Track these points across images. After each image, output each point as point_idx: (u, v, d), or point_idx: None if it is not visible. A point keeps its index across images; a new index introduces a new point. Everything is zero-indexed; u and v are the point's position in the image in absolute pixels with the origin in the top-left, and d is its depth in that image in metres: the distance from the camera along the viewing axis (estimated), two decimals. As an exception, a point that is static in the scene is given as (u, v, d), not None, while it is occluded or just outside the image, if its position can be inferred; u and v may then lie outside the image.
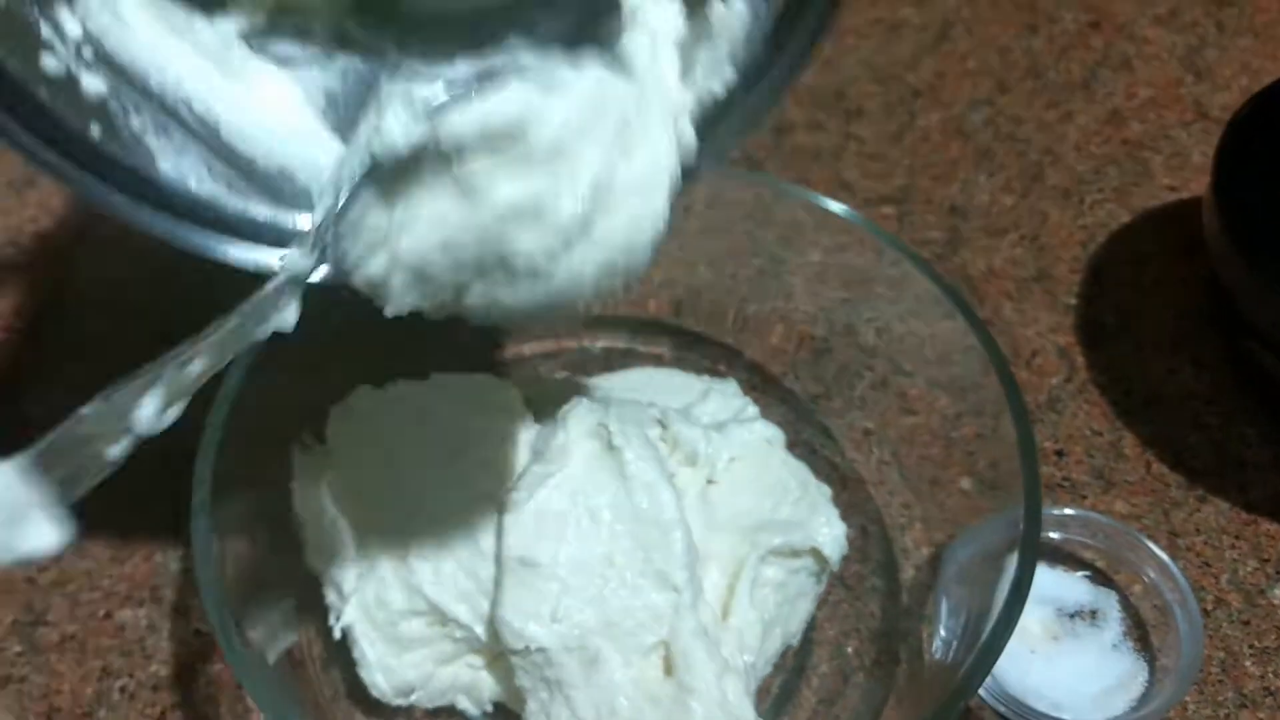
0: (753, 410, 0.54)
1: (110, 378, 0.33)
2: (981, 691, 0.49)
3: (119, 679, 0.51)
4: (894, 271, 0.53)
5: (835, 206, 0.53)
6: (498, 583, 0.44)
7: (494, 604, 0.44)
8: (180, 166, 0.37)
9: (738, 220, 0.57)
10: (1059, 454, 0.57)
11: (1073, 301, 0.63)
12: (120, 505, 0.55)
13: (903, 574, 0.52)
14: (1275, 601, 0.53)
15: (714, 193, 0.57)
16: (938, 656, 0.47)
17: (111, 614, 0.52)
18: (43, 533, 0.31)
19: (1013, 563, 0.42)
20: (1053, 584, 0.53)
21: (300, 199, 0.38)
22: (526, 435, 0.49)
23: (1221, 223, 0.53)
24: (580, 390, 0.53)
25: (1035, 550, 0.43)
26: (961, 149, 0.70)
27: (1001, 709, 0.49)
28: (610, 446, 0.46)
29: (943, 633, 0.47)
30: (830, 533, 0.49)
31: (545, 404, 0.50)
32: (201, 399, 0.35)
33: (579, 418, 0.47)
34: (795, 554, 0.48)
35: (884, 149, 0.70)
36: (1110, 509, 0.55)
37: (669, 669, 0.44)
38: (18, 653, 0.51)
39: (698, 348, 0.60)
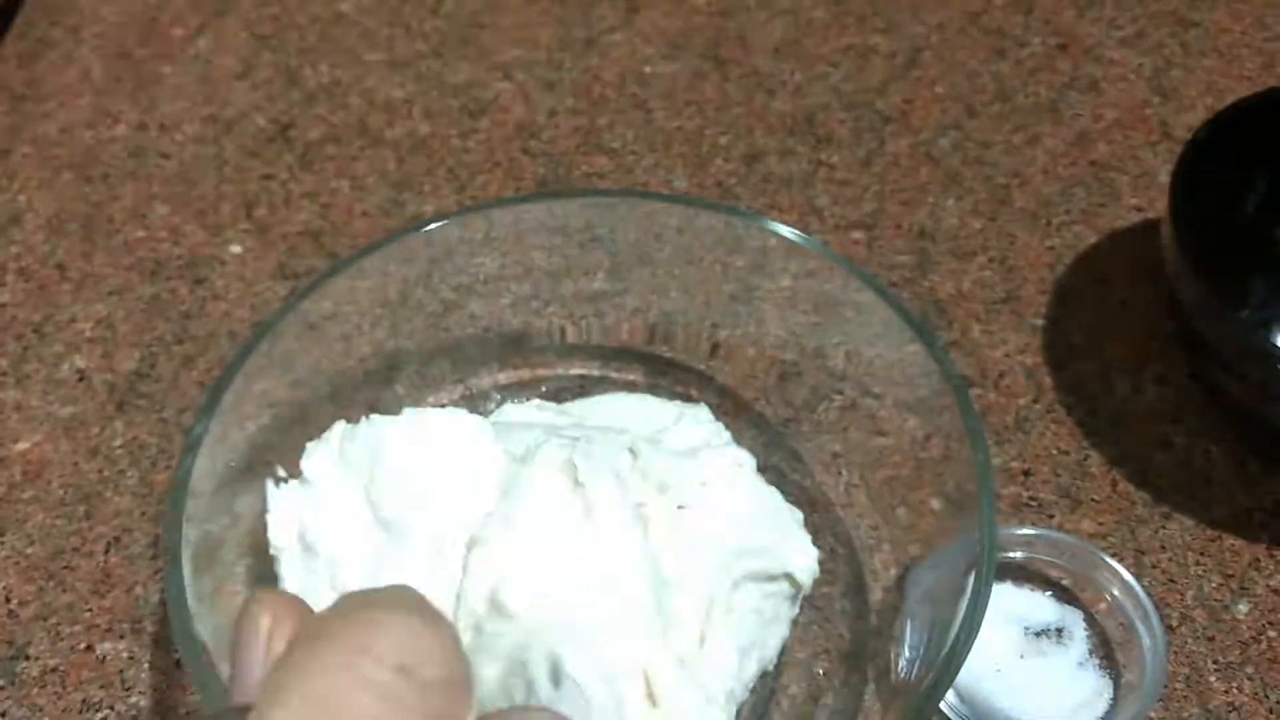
0: (724, 435, 0.55)
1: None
2: (949, 711, 0.50)
3: (99, 711, 0.51)
4: (861, 297, 0.54)
5: (796, 236, 0.54)
6: (464, 624, 0.45)
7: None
8: None
9: (709, 247, 0.58)
10: (1026, 474, 0.58)
11: (1040, 322, 0.64)
12: (102, 538, 0.56)
13: (871, 595, 0.53)
14: (1239, 617, 0.54)
15: (685, 220, 0.58)
16: (903, 675, 0.48)
17: (92, 646, 0.53)
18: None
19: (971, 581, 0.43)
20: (1019, 603, 0.53)
21: None
22: (496, 471, 0.49)
23: (1179, 244, 0.54)
24: (553, 421, 0.54)
25: (992, 568, 0.43)
26: (930, 173, 0.71)
27: None
28: (576, 484, 0.46)
29: (907, 652, 0.48)
30: (803, 557, 0.50)
31: (516, 439, 0.51)
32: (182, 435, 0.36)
33: (546, 456, 0.47)
34: (770, 578, 0.49)
35: (853, 175, 0.71)
36: (1077, 528, 0.56)
37: (653, 701, 0.45)
38: (-1, 687, 0.52)
39: (670, 373, 0.61)
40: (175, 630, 0.42)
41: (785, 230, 0.54)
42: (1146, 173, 0.71)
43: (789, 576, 0.49)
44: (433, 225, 0.56)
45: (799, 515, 0.52)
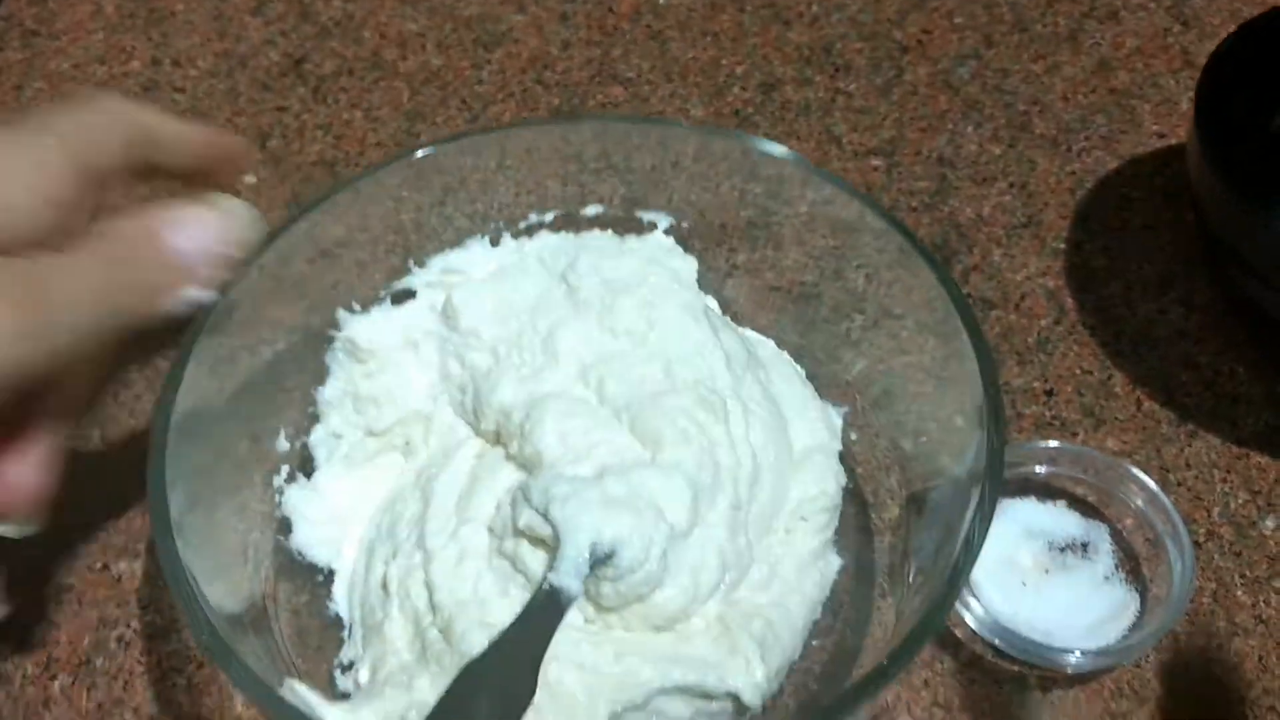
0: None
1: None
2: (975, 625, 0.49)
3: (115, 629, 0.51)
4: (879, 223, 0.53)
5: (805, 165, 0.53)
6: None
7: None
8: None
9: (725, 174, 0.58)
10: (1049, 393, 0.57)
11: (1061, 246, 0.63)
12: (119, 464, 0.56)
13: (886, 512, 0.52)
14: (1266, 533, 0.53)
15: (701, 147, 0.57)
16: (914, 586, 0.47)
17: (108, 566, 0.53)
18: None
19: (977, 492, 0.42)
20: (1044, 518, 0.53)
21: None
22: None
23: (1203, 149, 0.53)
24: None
25: (998, 478, 0.42)
26: (949, 102, 0.70)
27: (995, 641, 0.49)
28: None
29: (919, 564, 0.47)
30: (750, 679, 0.45)
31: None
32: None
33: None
34: (707, 696, 0.45)
35: (872, 103, 0.70)
36: (1101, 446, 0.56)
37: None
38: (16, 604, 0.52)
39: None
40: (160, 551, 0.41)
41: (795, 157, 0.54)
42: (1168, 99, 0.70)
43: (733, 697, 0.45)
44: (443, 145, 0.56)
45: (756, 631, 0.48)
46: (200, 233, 0.41)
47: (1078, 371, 0.58)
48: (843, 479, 0.52)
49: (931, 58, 0.72)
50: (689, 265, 0.57)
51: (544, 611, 0.42)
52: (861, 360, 0.56)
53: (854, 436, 0.54)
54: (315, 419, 0.53)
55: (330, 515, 0.50)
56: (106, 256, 0.38)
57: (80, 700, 0.49)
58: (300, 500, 0.51)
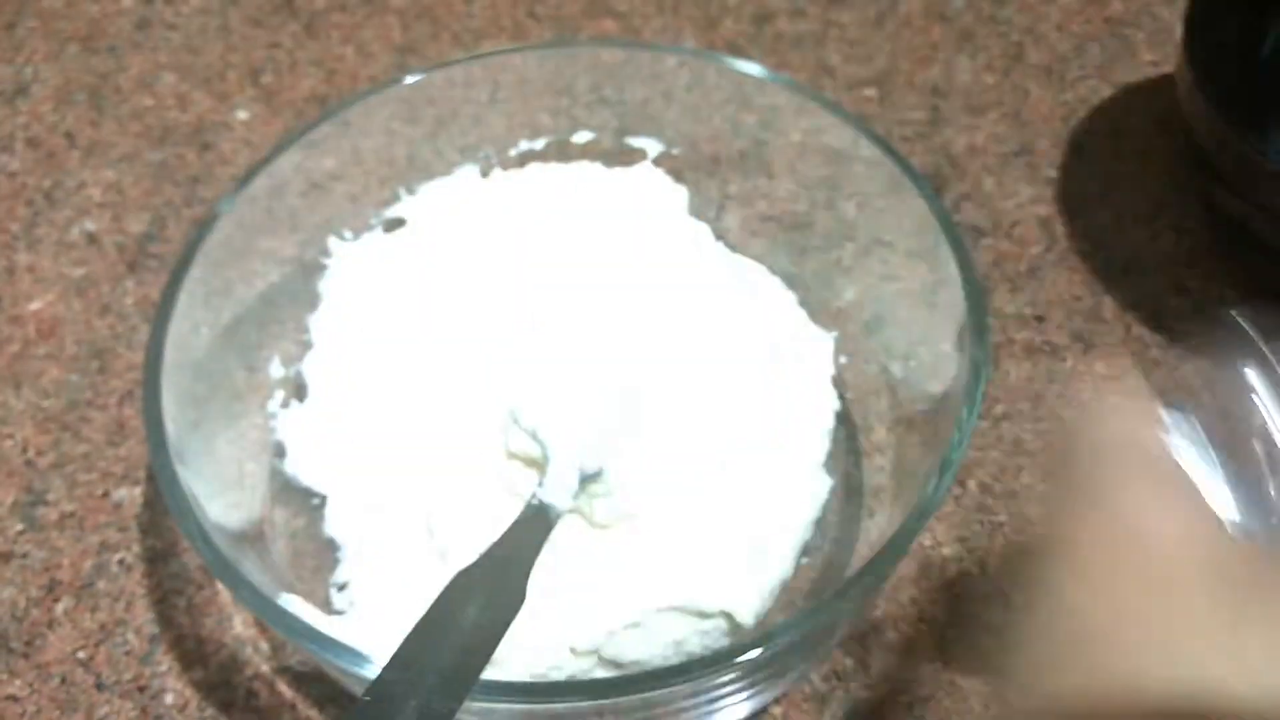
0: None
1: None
2: None
3: (117, 553, 0.52)
4: (870, 152, 0.53)
5: (802, 90, 0.53)
6: None
7: None
8: None
9: (718, 105, 0.58)
10: (1039, 319, 0.58)
11: (1054, 174, 0.63)
12: (115, 392, 0.57)
13: (874, 435, 0.53)
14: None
15: (694, 78, 0.57)
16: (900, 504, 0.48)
17: (109, 493, 0.54)
18: None
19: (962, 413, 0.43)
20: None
21: None
22: None
23: (1193, 75, 0.53)
24: None
25: (979, 401, 0.43)
26: (943, 32, 0.70)
27: None
28: None
29: (904, 482, 0.48)
30: (744, 597, 0.46)
31: None
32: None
33: None
34: (702, 615, 0.46)
35: (865, 34, 0.70)
36: (1090, 370, 0.56)
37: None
38: (19, 530, 0.52)
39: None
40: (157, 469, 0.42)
41: (790, 85, 0.54)
42: (1162, 29, 0.69)
43: (727, 615, 0.46)
44: (433, 73, 0.56)
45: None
46: None
47: (1068, 297, 0.59)
48: (835, 403, 0.53)
49: (926, -12, 0.72)
50: (680, 195, 0.57)
51: (532, 526, 0.43)
52: (852, 287, 0.56)
53: (844, 361, 0.55)
54: (308, 346, 0.53)
55: (323, 439, 0.51)
56: None
57: (83, 621, 0.50)
58: (294, 425, 0.51)
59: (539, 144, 0.58)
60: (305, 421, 0.52)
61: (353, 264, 0.54)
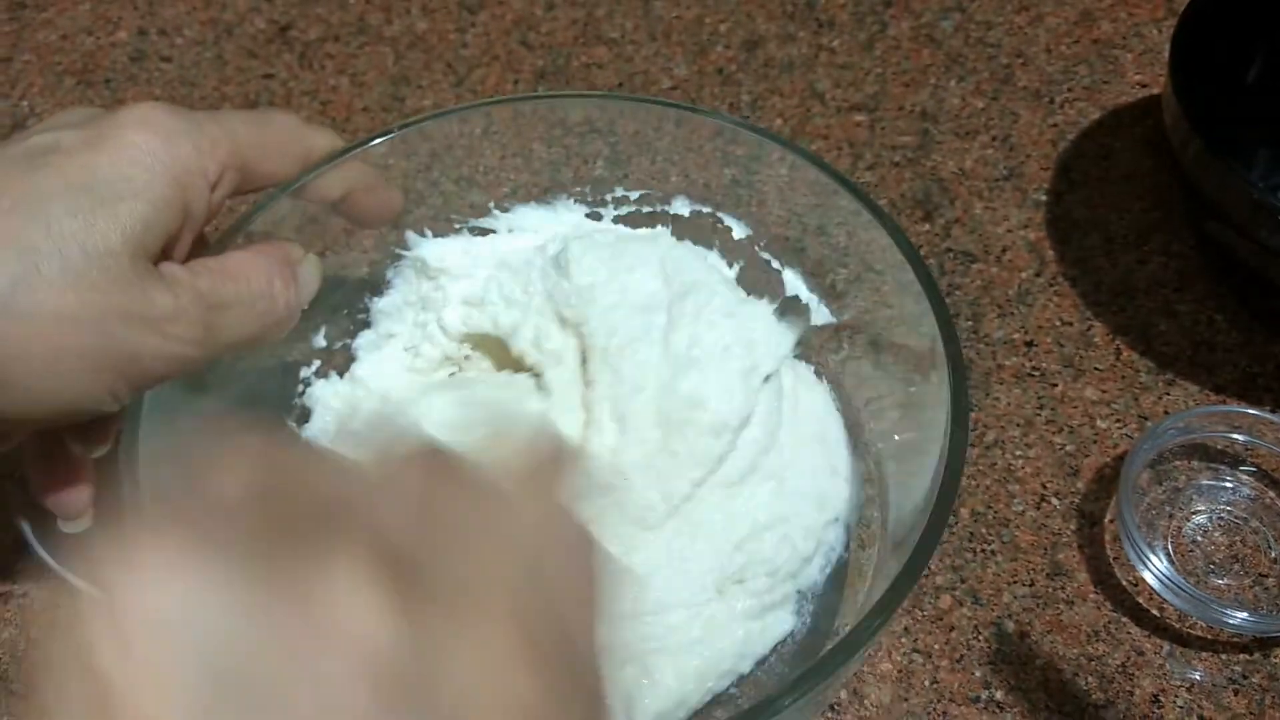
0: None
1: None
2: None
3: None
4: (839, 187, 0.53)
5: (780, 143, 0.54)
6: None
7: None
8: None
9: (707, 137, 0.58)
10: (1029, 344, 0.58)
11: (1043, 198, 0.64)
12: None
13: (867, 462, 0.53)
14: (1243, 477, 0.54)
15: (683, 114, 0.58)
16: (891, 539, 0.48)
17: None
18: None
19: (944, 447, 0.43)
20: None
21: None
22: None
23: (1179, 101, 0.54)
24: None
25: (964, 438, 0.43)
26: (932, 55, 0.70)
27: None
28: None
29: (895, 515, 0.48)
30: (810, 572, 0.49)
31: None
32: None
33: None
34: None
35: (855, 59, 0.70)
36: (1080, 395, 0.56)
37: None
38: (19, 570, 0.53)
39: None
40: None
41: (771, 138, 0.55)
42: (1150, 49, 0.70)
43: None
44: (425, 121, 0.56)
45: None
46: (305, 290, 0.45)
47: (1058, 323, 0.59)
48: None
49: (914, 11, 0.72)
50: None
51: None
52: (847, 312, 0.57)
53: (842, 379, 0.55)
54: (365, 324, 0.56)
55: (353, 410, 0.53)
56: (260, 292, 0.42)
57: (84, 661, 0.50)
58: (327, 393, 0.54)
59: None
60: (340, 390, 0.54)
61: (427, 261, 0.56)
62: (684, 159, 0.59)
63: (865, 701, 0.48)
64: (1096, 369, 0.57)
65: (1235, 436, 0.53)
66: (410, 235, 0.56)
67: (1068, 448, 0.55)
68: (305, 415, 0.54)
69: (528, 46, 0.71)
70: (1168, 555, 0.51)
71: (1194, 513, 0.53)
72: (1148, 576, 0.50)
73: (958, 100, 0.68)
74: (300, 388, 0.55)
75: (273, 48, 0.72)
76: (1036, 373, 0.57)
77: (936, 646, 0.50)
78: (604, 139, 0.60)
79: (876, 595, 0.39)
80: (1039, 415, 0.56)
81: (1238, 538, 0.52)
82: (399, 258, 0.57)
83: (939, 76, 0.69)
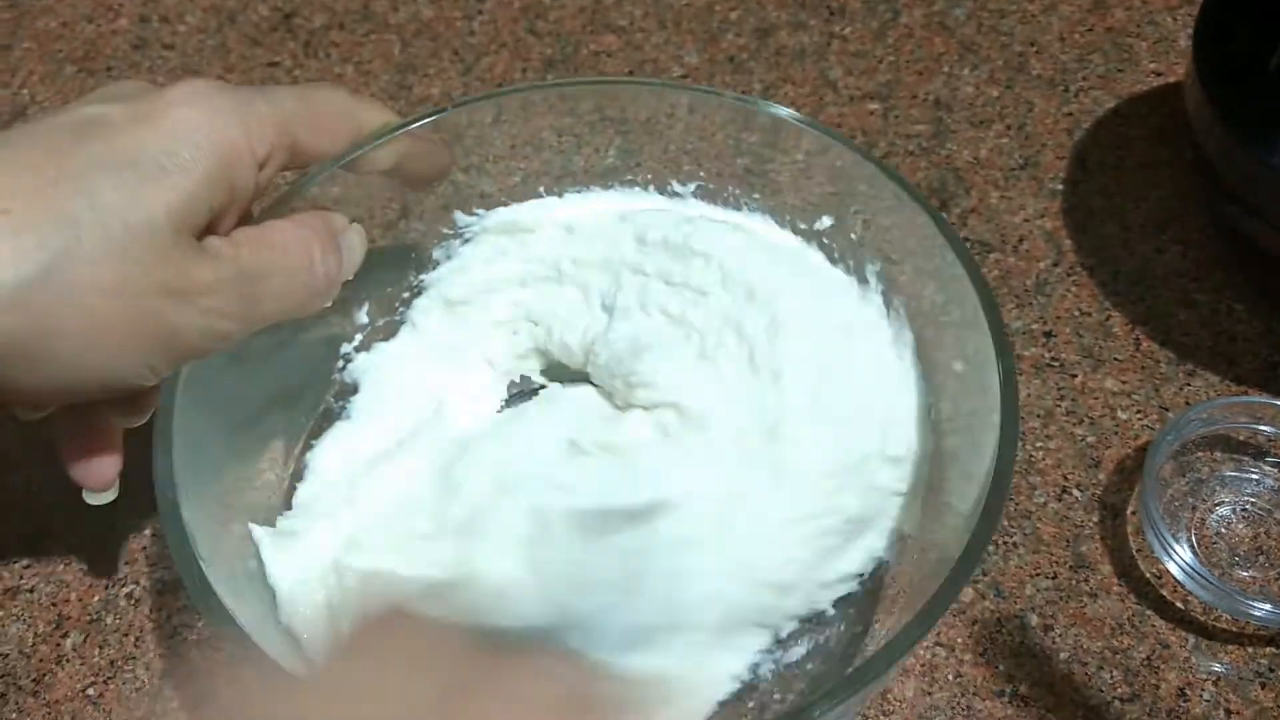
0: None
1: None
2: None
3: (125, 586, 0.51)
4: (873, 169, 0.53)
5: (801, 119, 0.53)
6: None
7: None
8: None
9: (720, 125, 0.57)
10: (1048, 335, 0.58)
11: (1059, 187, 0.63)
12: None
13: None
14: (1265, 468, 0.53)
15: (694, 100, 0.57)
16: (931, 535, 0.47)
17: (115, 524, 0.53)
18: None
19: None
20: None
21: None
22: None
23: (1202, 87, 0.53)
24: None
25: (1015, 429, 0.42)
26: (945, 44, 0.70)
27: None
28: None
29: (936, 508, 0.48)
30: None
31: None
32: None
33: None
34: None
35: (867, 47, 0.70)
36: (1100, 387, 0.56)
37: None
38: (24, 565, 0.52)
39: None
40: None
41: (788, 112, 0.53)
42: (1165, 37, 0.69)
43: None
44: (439, 114, 0.55)
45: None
46: (348, 260, 0.45)
47: (1076, 313, 0.58)
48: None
49: (926, -1, 0.72)
50: None
51: None
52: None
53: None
54: (418, 292, 0.56)
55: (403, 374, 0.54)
56: (300, 263, 0.42)
57: (92, 657, 0.49)
58: (369, 364, 0.54)
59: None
60: (394, 354, 0.55)
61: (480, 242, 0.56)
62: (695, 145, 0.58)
63: (888, 696, 0.48)
64: (1116, 359, 0.57)
65: (1259, 428, 0.53)
66: (459, 215, 0.56)
67: (1089, 439, 0.54)
68: (344, 391, 0.54)
69: (536, 34, 0.71)
70: (1192, 547, 0.51)
71: (1217, 504, 0.52)
72: (1172, 568, 0.49)
73: (971, 89, 0.67)
74: (340, 363, 0.55)
75: (276, 35, 0.71)
76: (1056, 363, 0.57)
77: (959, 640, 0.49)
78: (615, 127, 0.59)
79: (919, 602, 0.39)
80: (1059, 406, 0.55)
81: (1262, 529, 0.51)
82: (448, 236, 0.56)
83: (952, 65, 0.68)
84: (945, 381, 0.51)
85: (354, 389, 0.54)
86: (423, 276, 0.57)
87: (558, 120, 0.58)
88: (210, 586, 0.39)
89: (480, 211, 0.57)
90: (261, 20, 0.72)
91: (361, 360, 0.55)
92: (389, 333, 0.56)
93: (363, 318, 0.55)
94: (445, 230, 0.56)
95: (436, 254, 0.56)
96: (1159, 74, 0.67)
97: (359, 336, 0.55)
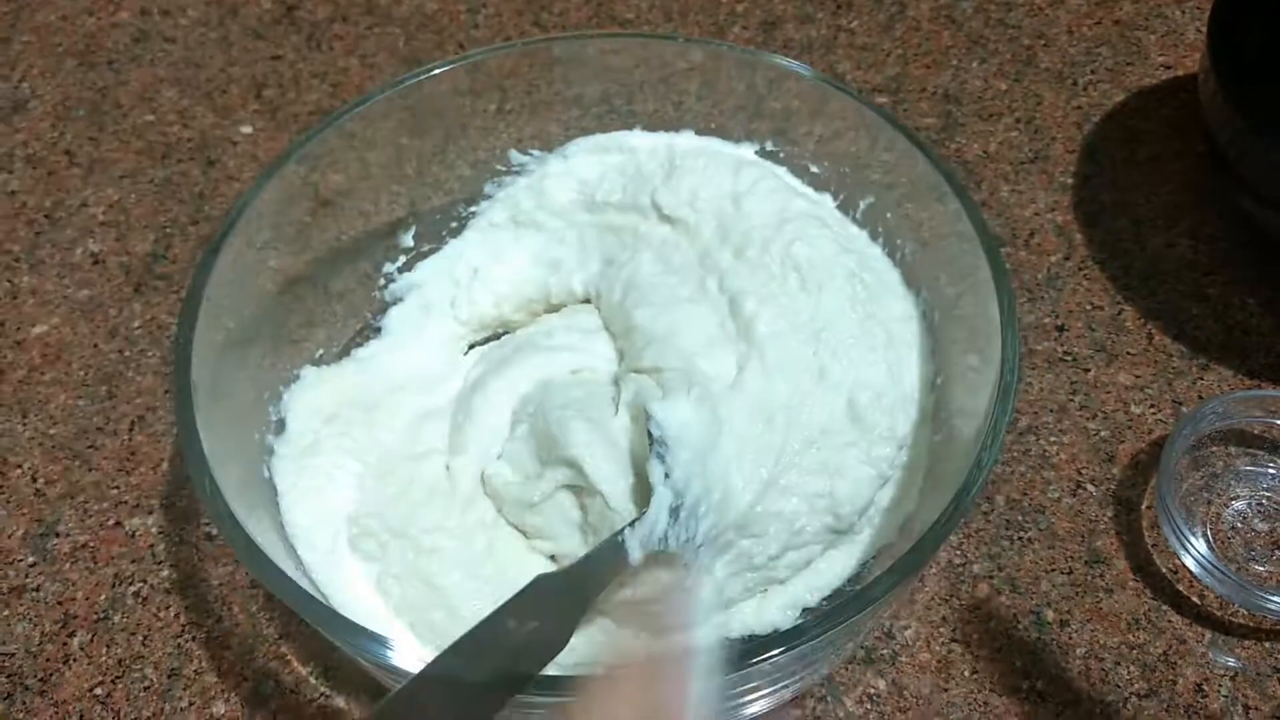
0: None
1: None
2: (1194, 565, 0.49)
3: (132, 585, 0.51)
4: (888, 156, 0.52)
5: (827, 80, 0.52)
6: None
7: None
8: None
9: (731, 110, 0.57)
10: (1060, 329, 0.57)
11: (1069, 181, 0.63)
12: (125, 417, 0.55)
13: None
14: (1280, 463, 0.53)
15: (706, 80, 0.57)
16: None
17: (122, 522, 0.52)
18: None
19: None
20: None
21: None
22: None
23: (1218, 80, 0.53)
24: None
25: (1010, 399, 0.42)
26: (953, 37, 0.69)
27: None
28: None
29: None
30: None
31: None
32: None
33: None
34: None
35: (875, 40, 0.69)
36: (1114, 380, 0.56)
37: None
38: (30, 563, 0.51)
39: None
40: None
41: (814, 74, 0.53)
42: (1173, 31, 0.69)
43: None
44: (435, 70, 0.55)
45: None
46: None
47: (1088, 307, 0.58)
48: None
49: (933, -8, 0.71)
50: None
51: (609, 560, 0.42)
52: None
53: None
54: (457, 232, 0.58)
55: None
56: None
57: (100, 656, 0.49)
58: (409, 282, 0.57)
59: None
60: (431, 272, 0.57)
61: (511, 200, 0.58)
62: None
63: (904, 692, 0.47)
64: (1129, 353, 0.56)
65: (1274, 421, 0.52)
66: (514, 153, 0.58)
67: (1102, 433, 0.54)
68: (383, 307, 0.56)
69: (540, 27, 0.70)
70: (1207, 541, 0.50)
71: (1233, 499, 0.52)
72: (1189, 562, 0.49)
73: (980, 82, 0.67)
74: (382, 281, 0.56)
75: (279, 28, 0.71)
76: (1069, 358, 0.56)
77: (975, 636, 0.49)
78: (622, 118, 0.58)
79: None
80: (1072, 401, 0.55)
81: (1278, 524, 0.51)
82: (500, 172, 0.58)
83: (960, 58, 0.68)
84: (951, 377, 0.51)
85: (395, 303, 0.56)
86: (472, 209, 0.58)
87: (564, 111, 0.58)
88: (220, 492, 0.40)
89: (535, 151, 0.58)
90: (264, 13, 0.71)
91: (404, 280, 0.57)
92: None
93: (408, 240, 0.57)
94: (499, 167, 0.58)
95: (489, 188, 0.58)
96: (1168, 67, 0.67)
97: (401, 258, 0.57)
